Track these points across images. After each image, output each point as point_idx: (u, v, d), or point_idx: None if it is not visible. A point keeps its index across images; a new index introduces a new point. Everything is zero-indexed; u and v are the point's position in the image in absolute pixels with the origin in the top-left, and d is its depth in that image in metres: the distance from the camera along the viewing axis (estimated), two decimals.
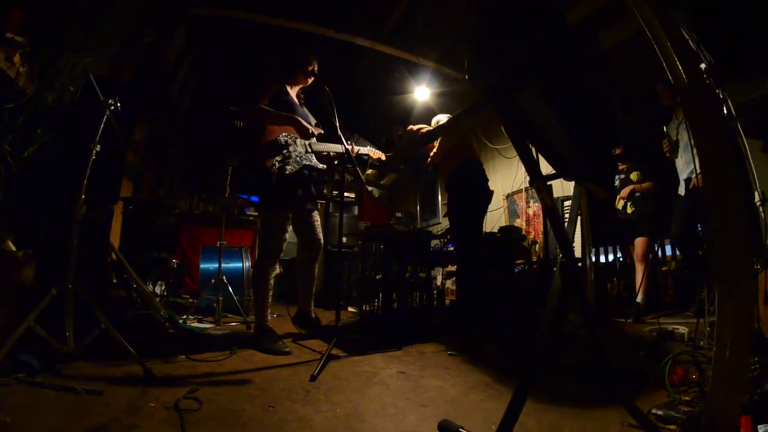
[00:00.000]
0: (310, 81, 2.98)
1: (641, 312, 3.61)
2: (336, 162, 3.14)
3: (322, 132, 2.98)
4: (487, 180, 3.67)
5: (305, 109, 3.01)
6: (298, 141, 2.83)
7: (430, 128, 3.79)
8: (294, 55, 2.98)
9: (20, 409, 1.44)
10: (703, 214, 3.21)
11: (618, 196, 4.24)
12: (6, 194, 2.10)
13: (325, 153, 2.96)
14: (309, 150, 2.87)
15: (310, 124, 2.97)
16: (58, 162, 2.32)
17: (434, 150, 3.78)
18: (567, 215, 4.31)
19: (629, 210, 4.11)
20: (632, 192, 4.13)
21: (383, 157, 3.27)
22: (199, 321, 3.75)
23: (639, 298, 3.71)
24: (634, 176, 4.16)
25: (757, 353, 1.60)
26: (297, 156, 2.80)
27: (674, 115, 3.56)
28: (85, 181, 2.02)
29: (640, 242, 3.95)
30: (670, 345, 2.66)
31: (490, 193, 3.70)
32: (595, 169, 1.79)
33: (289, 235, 2.82)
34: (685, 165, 3.43)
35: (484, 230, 3.88)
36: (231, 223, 5.80)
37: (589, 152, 1.53)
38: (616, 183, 4.27)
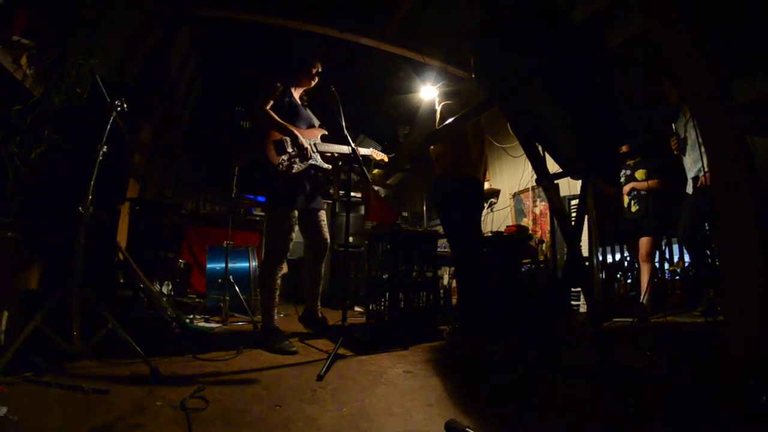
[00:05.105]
0: (313, 83, 2.99)
1: (646, 313, 3.55)
2: (340, 163, 3.14)
3: (326, 133, 2.98)
4: (466, 193, 3.30)
5: (308, 111, 3.01)
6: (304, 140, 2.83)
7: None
8: (298, 57, 2.98)
9: (28, 408, 1.45)
10: (710, 212, 3.17)
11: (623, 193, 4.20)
12: (13, 195, 2.11)
13: (329, 154, 2.95)
14: (315, 150, 2.87)
15: (313, 126, 2.98)
16: (66, 163, 2.33)
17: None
18: (574, 214, 4.28)
19: (633, 209, 4.06)
20: (632, 189, 4.08)
21: (386, 159, 3.26)
22: (206, 320, 3.76)
23: (644, 299, 3.63)
24: (639, 174, 4.06)
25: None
26: None
27: (682, 113, 3.52)
28: (92, 182, 2.03)
29: (644, 242, 3.91)
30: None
31: (473, 205, 3.38)
32: (603, 167, 1.77)
33: (296, 234, 2.82)
34: (693, 163, 3.40)
35: (491, 229, 3.80)
36: (237, 223, 5.84)
37: (596, 150, 1.51)
38: (622, 179, 4.22)
